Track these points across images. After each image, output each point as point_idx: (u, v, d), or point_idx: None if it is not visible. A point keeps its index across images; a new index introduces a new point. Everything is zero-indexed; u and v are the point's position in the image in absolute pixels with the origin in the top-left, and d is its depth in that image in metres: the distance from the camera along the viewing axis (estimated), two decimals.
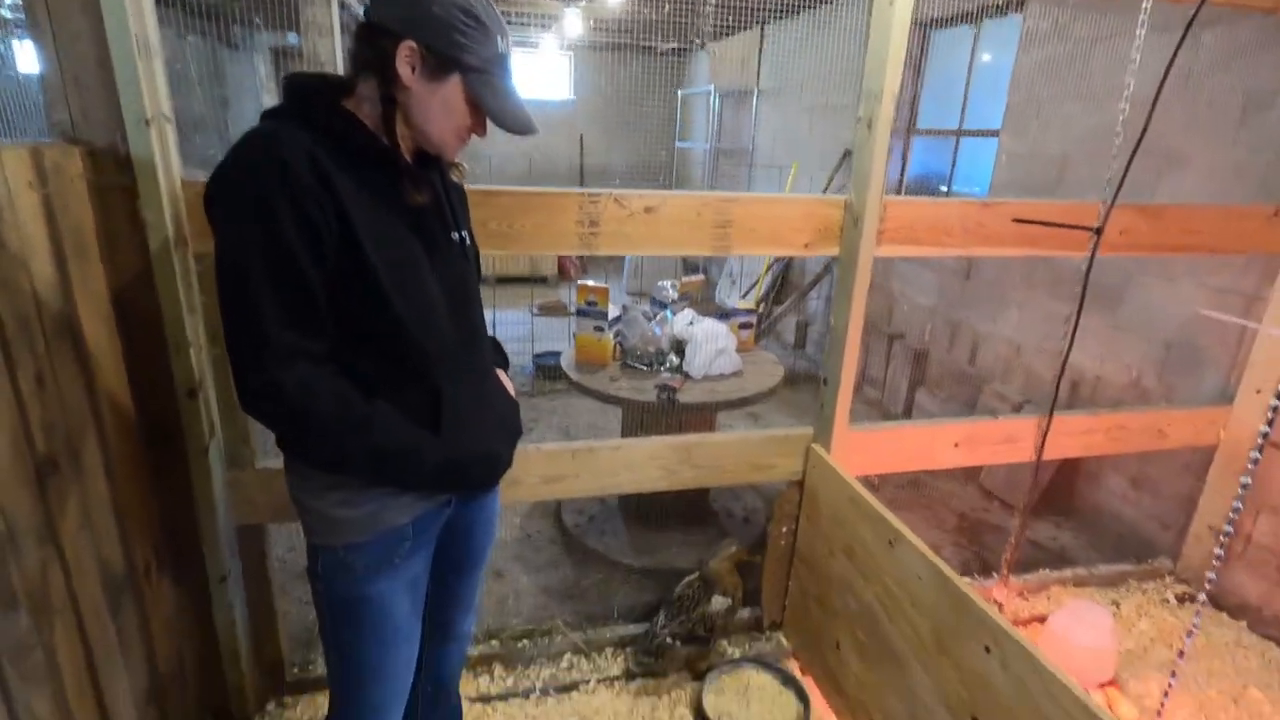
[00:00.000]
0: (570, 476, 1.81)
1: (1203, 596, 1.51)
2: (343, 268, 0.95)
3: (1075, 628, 2.00)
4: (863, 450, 1.96)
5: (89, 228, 1.27)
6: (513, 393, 1.24)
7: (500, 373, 1.25)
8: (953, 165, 4.03)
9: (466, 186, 1.34)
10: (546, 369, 4.28)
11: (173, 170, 1.33)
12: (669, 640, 1.86)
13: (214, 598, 1.60)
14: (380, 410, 0.97)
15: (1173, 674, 1.53)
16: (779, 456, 1.95)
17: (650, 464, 1.86)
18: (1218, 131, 2.42)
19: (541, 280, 6.98)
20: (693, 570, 2.05)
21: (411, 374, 1.02)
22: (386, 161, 1.00)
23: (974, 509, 3.11)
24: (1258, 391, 2.24)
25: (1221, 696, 2.01)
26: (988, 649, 1.29)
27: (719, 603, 1.93)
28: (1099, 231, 1.62)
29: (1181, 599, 2.43)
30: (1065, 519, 3.00)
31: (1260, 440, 1.42)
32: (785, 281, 5.34)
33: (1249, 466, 1.41)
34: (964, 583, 1.37)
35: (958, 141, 3.99)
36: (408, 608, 1.09)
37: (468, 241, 1.18)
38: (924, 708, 1.48)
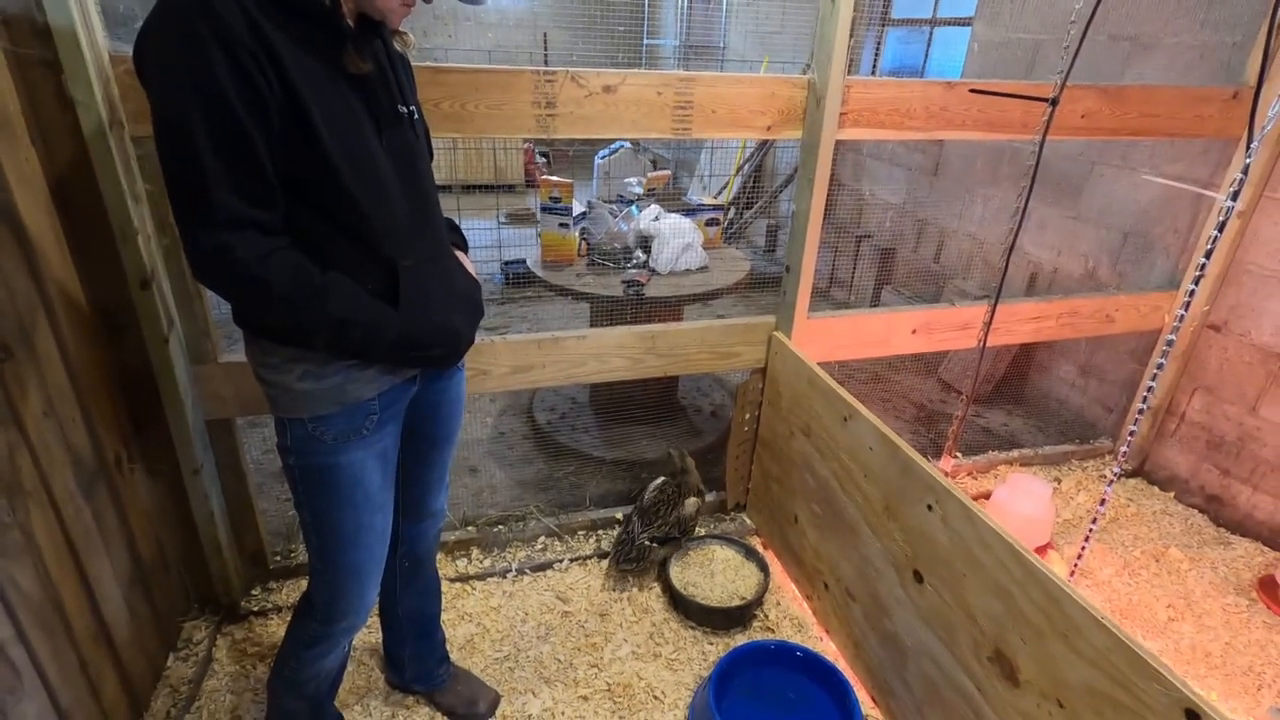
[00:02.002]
0: (537, 366, 1.84)
1: (1124, 449, 1.63)
2: (288, 136, 0.92)
3: (1017, 498, 2.14)
4: (823, 337, 2.01)
5: (14, 108, 1.21)
6: (473, 273, 1.24)
7: (459, 253, 1.24)
8: (925, 56, 3.93)
9: (415, 65, 1.29)
10: (516, 276, 4.24)
11: (98, 41, 1.25)
12: (647, 544, 1.93)
13: (190, 490, 1.63)
14: (336, 281, 0.97)
15: (1093, 521, 1.67)
16: (742, 344, 2.00)
17: (616, 353, 1.90)
18: (1186, 13, 2.38)
19: (509, 188, 6.79)
20: (656, 473, 2.10)
21: (366, 249, 1.02)
22: (328, 24, 0.95)
23: (932, 400, 3.23)
24: (1202, 276, 2.31)
25: (1144, 556, 2.20)
26: (930, 507, 1.39)
27: (691, 505, 2.00)
28: (1054, 103, 1.62)
29: (1118, 475, 2.60)
30: (1016, 407, 3.14)
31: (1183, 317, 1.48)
32: (756, 185, 5.27)
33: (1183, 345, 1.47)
34: (910, 449, 1.46)
35: (931, 31, 3.88)
36: (379, 478, 1.13)
37: (416, 115, 1.15)
38: (872, 568, 1.59)
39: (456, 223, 1.29)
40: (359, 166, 0.98)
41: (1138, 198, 2.59)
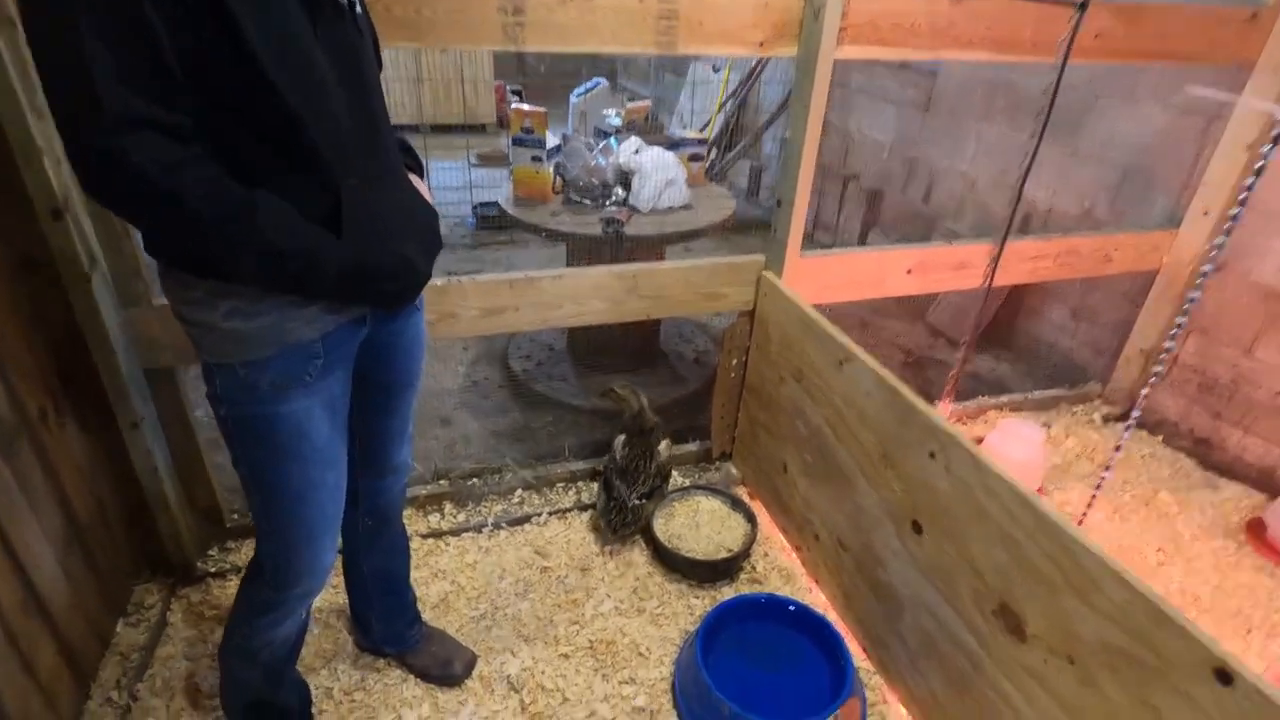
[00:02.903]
0: (510, 309, 1.71)
1: (1137, 414, 1.56)
2: (198, 23, 0.76)
3: (1008, 443, 2.08)
4: (815, 277, 1.89)
5: None
6: (429, 198, 1.09)
7: (413, 177, 1.09)
8: None
9: None
10: (488, 219, 4.04)
11: None
12: (638, 503, 1.81)
13: (130, 445, 1.49)
14: (267, 201, 0.82)
15: (1098, 485, 1.60)
16: (730, 285, 1.87)
17: (595, 295, 1.76)
18: None
19: (480, 128, 6.48)
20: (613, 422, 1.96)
21: (302, 165, 0.87)
22: None
23: (920, 346, 3.16)
24: (1205, 213, 2.22)
25: (1134, 500, 2.16)
26: (932, 454, 1.30)
27: (665, 448, 1.90)
28: (1083, 7, 1.47)
29: (1107, 419, 2.56)
30: (1004, 351, 3.08)
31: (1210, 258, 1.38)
32: (738, 125, 5.06)
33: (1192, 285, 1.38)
34: (911, 394, 1.36)
35: None
36: (327, 430, 1.00)
37: (360, 9, 0.98)
38: (867, 518, 1.52)
39: (409, 143, 1.13)
40: (290, 63, 0.82)
41: (1141, 132, 2.47)
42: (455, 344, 2.85)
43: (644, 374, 2.60)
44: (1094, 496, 1.63)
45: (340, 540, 1.37)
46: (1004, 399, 2.57)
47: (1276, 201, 2.10)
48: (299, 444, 0.96)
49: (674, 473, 2.13)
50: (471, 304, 1.67)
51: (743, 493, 2.08)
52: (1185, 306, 1.53)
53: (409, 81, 5.49)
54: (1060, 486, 2.20)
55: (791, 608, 1.56)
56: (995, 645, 1.21)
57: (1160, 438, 2.48)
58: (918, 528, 1.37)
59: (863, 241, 3.90)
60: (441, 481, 1.98)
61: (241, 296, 0.87)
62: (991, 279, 1.79)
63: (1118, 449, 1.59)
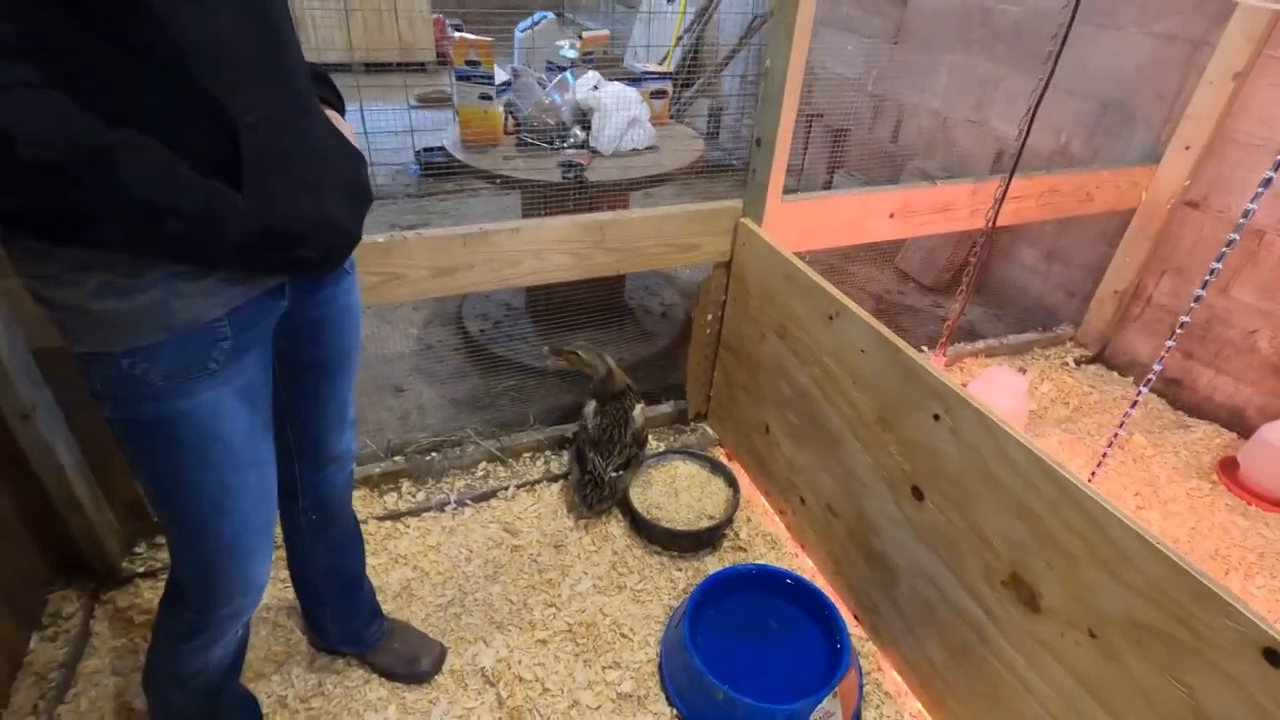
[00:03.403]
0: (463, 268, 1.52)
1: (1157, 377, 1.48)
2: None
3: (991, 392, 2.02)
4: (796, 223, 1.75)
5: None
6: (353, 140, 0.90)
7: (333, 114, 0.89)
8: None
9: None
10: (433, 166, 3.74)
11: None
12: (614, 475, 1.68)
13: (21, 439, 1.28)
14: (129, 140, 0.63)
15: (1120, 425, 1.55)
16: (704, 234, 1.72)
17: (557, 249, 1.59)
18: None
19: (419, 67, 6.04)
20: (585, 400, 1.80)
21: (189, 99, 0.67)
22: None
23: (889, 291, 3.08)
24: (1186, 148, 2.15)
25: (1112, 446, 2.14)
26: (937, 417, 1.20)
27: (639, 413, 1.77)
28: None
29: (1080, 361, 2.53)
30: (975, 295, 3.02)
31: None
32: (695, 60, 4.80)
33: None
34: (912, 351, 1.25)
35: None
36: (245, 425, 0.83)
37: None
38: (859, 483, 1.43)
39: (325, 73, 0.92)
40: None
41: (1121, 63, 2.36)
42: (405, 305, 2.63)
43: (611, 330, 2.45)
44: (1110, 443, 1.57)
45: (281, 540, 1.22)
46: (979, 345, 2.51)
47: (1263, 134, 2.03)
48: (209, 445, 0.79)
49: (649, 438, 2.01)
50: (419, 263, 1.48)
51: (721, 454, 1.98)
52: (1231, 239, 1.44)
53: (336, 13, 5.01)
54: (1038, 433, 2.17)
55: (786, 580, 1.48)
56: (1004, 616, 1.14)
57: (1130, 379, 2.47)
58: (918, 494, 1.28)
59: (828, 185, 3.76)
60: (397, 458, 1.82)
61: (113, 268, 0.68)
62: (995, 219, 1.68)
63: (1134, 405, 1.51)
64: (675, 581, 1.61)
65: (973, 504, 1.16)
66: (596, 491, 1.66)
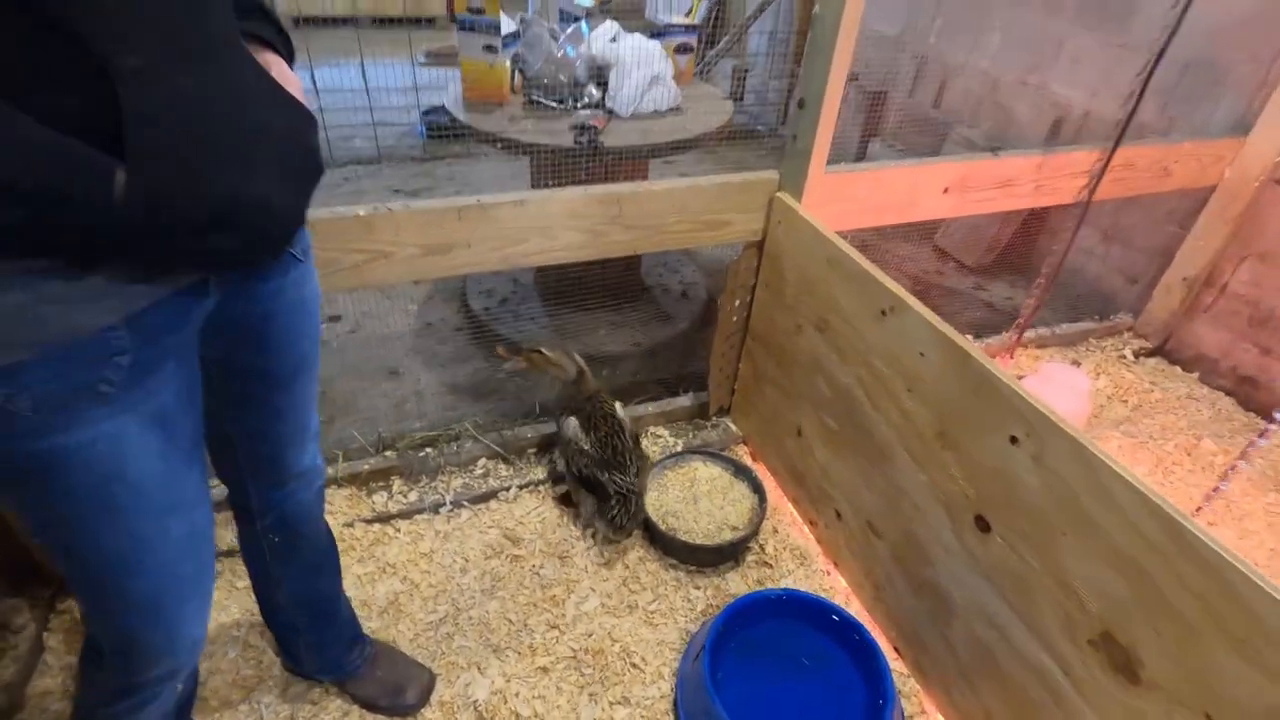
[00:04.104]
0: (459, 246, 1.33)
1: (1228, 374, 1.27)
2: None
3: (1050, 391, 1.81)
4: (839, 198, 1.53)
5: None
6: (298, 94, 0.70)
7: (270, 56, 0.69)
8: None
9: None
10: (439, 128, 3.52)
11: None
12: (636, 491, 1.48)
13: None
14: None
15: (1240, 457, 1.34)
16: (735, 210, 1.51)
17: (568, 225, 1.39)
18: None
19: (428, 22, 5.76)
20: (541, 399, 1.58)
21: (42, 35, 0.48)
22: None
23: (927, 272, 2.85)
24: None
25: (1177, 451, 1.93)
26: (1015, 440, 1.00)
27: (622, 411, 1.57)
28: None
29: (1139, 354, 2.31)
30: (1019, 277, 2.78)
31: None
32: (720, 18, 4.49)
33: None
34: (987, 359, 1.05)
35: None
36: (157, 460, 0.65)
37: None
38: (909, 503, 1.24)
39: (264, 4, 0.71)
40: None
41: (1212, 19, 2.09)
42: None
43: (625, 311, 2.25)
44: (1225, 476, 1.37)
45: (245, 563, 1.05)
46: (1028, 335, 2.29)
47: None
48: (109, 491, 0.61)
49: (666, 433, 1.84)
50: (408, 240, 1.28)
51: (745, 454, 1.80)
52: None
53: None
54: (1097, 434, 1.96)
55: (823, 611, 1.30)
56: (1089, 680, 0.96)
57: (1196, 375, 2.24)
58: (983, 524, 1.09)
59: (861, 156, 3.50)
60: (388, 453, 1.65)
61: None
62: (1090, 198, 1.46)
63: (1262, 435, 1.31)
64: (693, 601, 1.44)
65: (1055, 545, 0.97)
66: (624, 511, 1.45)
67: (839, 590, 1.49)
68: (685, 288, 2.45)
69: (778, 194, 1.50)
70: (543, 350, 1.54)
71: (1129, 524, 0.87)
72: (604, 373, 2.08)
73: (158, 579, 0.69)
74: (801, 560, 1.54)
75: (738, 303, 1.67)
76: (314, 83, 3.74)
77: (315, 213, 1.20)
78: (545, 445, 1.75)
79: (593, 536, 1.55)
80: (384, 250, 1.28)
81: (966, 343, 1.08)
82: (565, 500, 1.62)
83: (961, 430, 1.10)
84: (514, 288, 2.38)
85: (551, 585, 1.45)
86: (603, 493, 1.47)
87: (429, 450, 1.67)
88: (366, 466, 1.60)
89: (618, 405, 1.57)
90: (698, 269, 2.57)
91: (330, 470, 1.58)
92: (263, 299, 0.74)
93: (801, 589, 1.47)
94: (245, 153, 0.58)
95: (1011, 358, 1.91)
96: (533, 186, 2.07)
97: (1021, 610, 1.05)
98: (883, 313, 1.22)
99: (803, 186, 1.46)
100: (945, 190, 1.69)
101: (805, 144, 1.41)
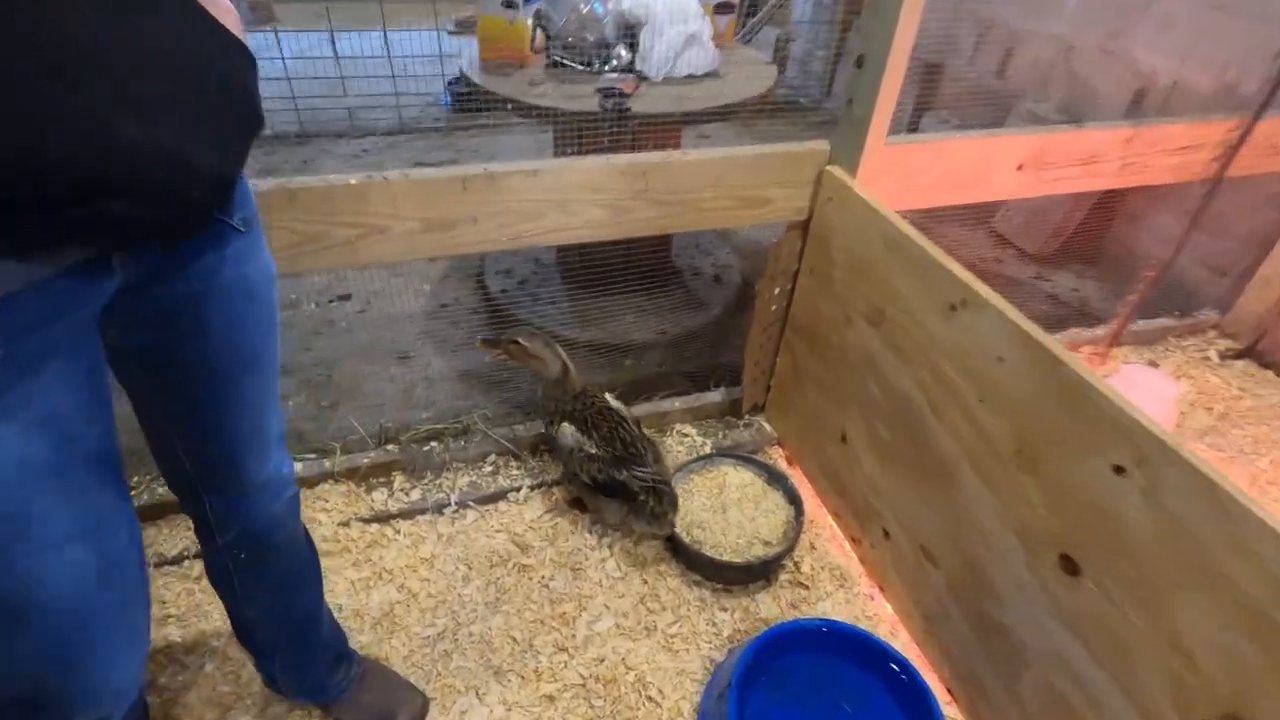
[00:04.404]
0: (464, 221, 1.18)
1: None
2: None
3: (1133, 397, 1.60)
4: (899, 174, 1.34)
5: None
6: (234, 27, 0.54)
7: None
8: None
9: None
10: (464, 96, 3.36)
11: None
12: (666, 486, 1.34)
13: None
14: None
15: None
16: (778, 185, 1.33)
17: (588, 199, 1.23)
18: None
19: None
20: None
21: None
22: None
23: (984, 259, 2.61)
24: None
25: (1273, 468, 1.71)
26: (1121, 470, 0.82)
27: (614, 400, 1.42)
28: None
29: (1225, 356, 2.07)
30: (1088, 267, 2.54)
31: None
32: None
33: None
34: (1088, 371, 0.86)
35: None
36: (49, 477, 0.51)
37: None
38: (975, 531, 1.06)
39: None
40: None
41: None
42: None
43: (655, 296, 2.09)
44: None
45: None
46: (1099, 331, 2.06)
47: None
48: None
49: (693, 432, 1.68)
50: (406, 213, 1.14)
51: (779, 457, 1.63)
52: None
53: None
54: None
55: (870, 646, 1.14)
56: None
57: None
58: (1071, 566, 0.91)
59: (914, 124, 3.24)
60: (390, 446, 1.52)
61: None
62: (1222, 175, 1.25)
63: None
64: (718, 626, 1.29)
65: (1168, 600, 0.79)
66: (660, 501, 1.30)
67: (883, 618, 1.32)
68: (719, 271, 2.27)
69: (828, 167, 1.31)
70: (520, 341, 1.36)
71: (1271, 580, 0.68)
72: (627, 363, 1.93)
73: (61, 621, 0.55)
74: (841, 582, 1.38)
75: (778, 290, 1.49)
76: (334, 49, 3.61)
77: (299, 180, 1.06)
78: None
79: (631, 540, 1.40)
80: (379, 224, 1.13)
81: (1058, 347, 0.89)
82: (579, 505, 1.47)
83: (1047, 451, 0.92)
84: (535, 268, 2.23)
85: (561, 600, 1.31)
86: (626, 492, 1.32)
87: (434, 444, 1.54)
88: (366, 460, 1.48)
89: (609, 396, 1.42)
90: (732, 250, 2.39)
91: (327, 464, 1.46)
92: (192, 278, 0.59)
93: (841, 615, 1.31)
94: (139, 89, 0.43)
95: (1104, 363, 1.70)
96: (556, 156, 1.91)
97: (1117, 672, 0.87)
98: (952, 307, 1.04)
99: (858, 159, 1.27)
100: (1019, 167, 1.48)
101: (864, 110, 1.22)
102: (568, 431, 1.36)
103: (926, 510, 1.17)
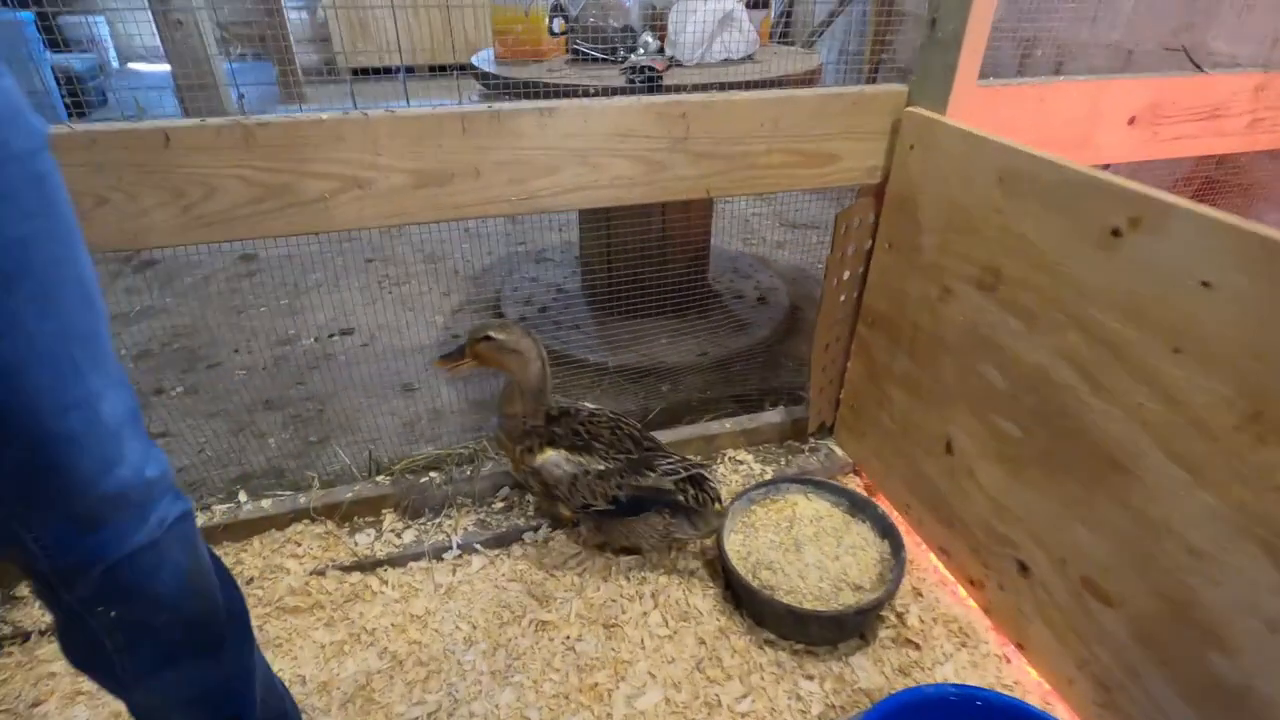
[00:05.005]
0: (463, 174, 0.95)
1: None
2: None
3: None
4: (990, 128, 1.10)
5: None
6: None
7: None
8: None
9: None
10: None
11: None
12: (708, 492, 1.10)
13: None
14: None
15: None
16: (845, 135, 1.09)
17: (616, 148, 1.00)
18: None
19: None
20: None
21: None
22: None
23: None
24: None
25: None
26: None
27: (600, 405, 1.15)
28: None
29: None
30: None
31: None
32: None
33: None
34: None
35: None
36: None
37: None
38: (1177, 545, 0.74)
39: None
40: None
41: None
42: (432, 290, 2.12)
43: (690, 319, 1.84)
44: None
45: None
46: None
47: None
48: None
49: (749, 459, 1.38)
50: (391, 161, 0.92)
51: (856, 486, 1.32)
52: None
53: (391, 10, 4.67)
54: None
55: (1021, 714, 0.81)
56: None
57: None
58: None
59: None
60: (379, 478, 1.25)
61: None
62: None
63: None
64: (805, 699, 0.95)
65: None
66: (701, 488, 1.07)
67: (1028, 686, 0.97)
68: (763, 293, 2.02)
69: (909, 109, 1.08)
70: (492, 335, 1.06)
71: None
72: (664, 388, 1.66)
73: None
74: (963, 640, 1.04)
75: (847, 274, 1.23)
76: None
77: (259, 117, 0.86)
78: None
79: (675, 548, 1.11)
80: (358, 175, 0.92)
81: None
82: (606, 548, 1.17)
83: None
84: (556, 296, 2.01)
85: (593, 667, 0.99)
86: (661, 497, 1.06)
87: (434, 475, 1.26)
88: (349, 495, 1.20)
89: (587, 403, 1.14)
90: (775, 274, 2.15)
91: (302, 499, 1.19)
92: None
93: (969, 684, 0.96)
94: None
95: None
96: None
97: None
98: (1115, 232, 0.77)
99: (946, 98, 1.04)
100: (1131, 120, 1.24)
101: (952, 30, 0.99)
102: (556, 461, 1.07)
103: (1087, 527, 0.85)
